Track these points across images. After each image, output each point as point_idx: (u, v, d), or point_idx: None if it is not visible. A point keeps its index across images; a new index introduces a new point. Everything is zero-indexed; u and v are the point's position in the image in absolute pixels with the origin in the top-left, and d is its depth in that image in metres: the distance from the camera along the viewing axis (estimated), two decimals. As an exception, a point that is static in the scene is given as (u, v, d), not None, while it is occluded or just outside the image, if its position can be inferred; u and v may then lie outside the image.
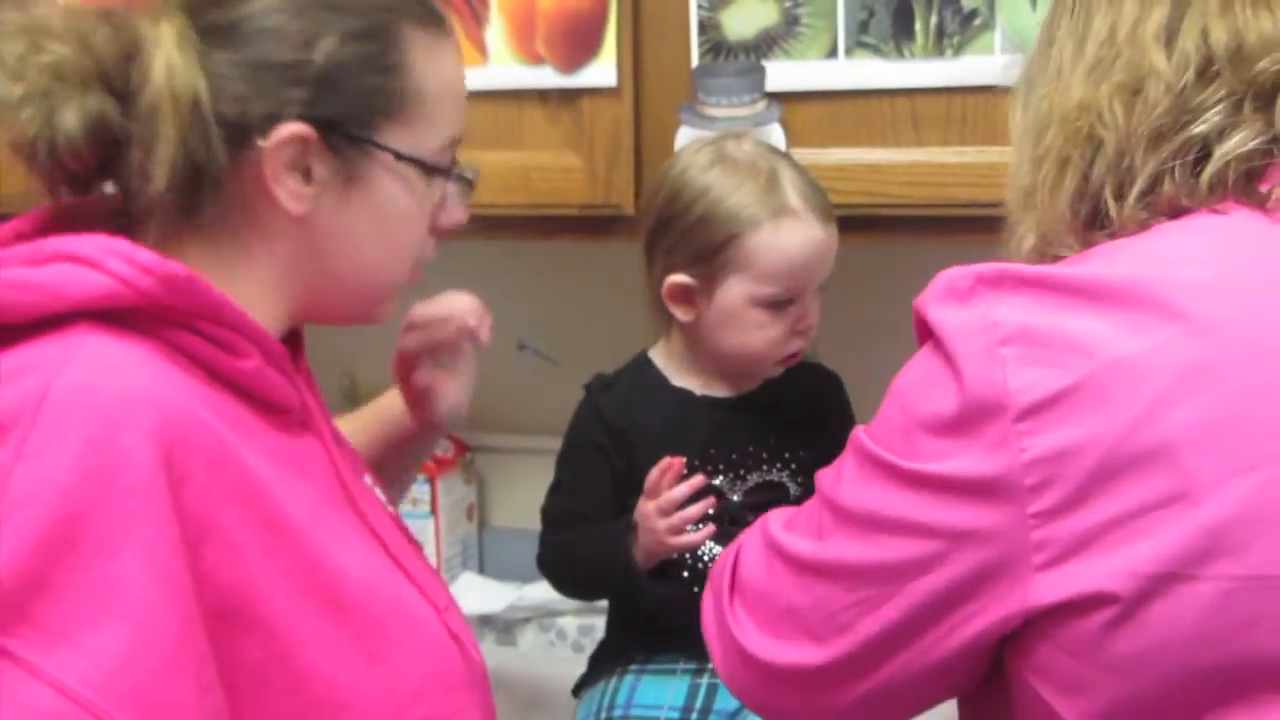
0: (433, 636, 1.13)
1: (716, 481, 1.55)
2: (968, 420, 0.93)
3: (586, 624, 2.00)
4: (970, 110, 1.56)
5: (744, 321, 1.51)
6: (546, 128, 1.70)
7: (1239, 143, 0.95)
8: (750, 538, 1.14)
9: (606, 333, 1.78)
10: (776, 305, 1.50)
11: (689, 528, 1.47)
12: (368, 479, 1.24)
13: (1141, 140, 0.98)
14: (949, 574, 0.95)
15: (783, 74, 1.60)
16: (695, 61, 1.63)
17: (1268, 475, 0.85)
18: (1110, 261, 0.96)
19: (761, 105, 1.61)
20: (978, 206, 1.51)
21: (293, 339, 1.19)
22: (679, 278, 1.51)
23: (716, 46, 1.62)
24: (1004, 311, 0.93)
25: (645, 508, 1.47)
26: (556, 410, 1.65)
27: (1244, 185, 0.96)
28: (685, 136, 1.63)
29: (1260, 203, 0.95)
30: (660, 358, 1.61)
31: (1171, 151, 0.97)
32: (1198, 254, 0.94)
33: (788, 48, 1.60)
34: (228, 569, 0.98)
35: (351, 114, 1.08)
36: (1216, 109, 0.96)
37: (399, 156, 1.10)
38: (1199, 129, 0.96)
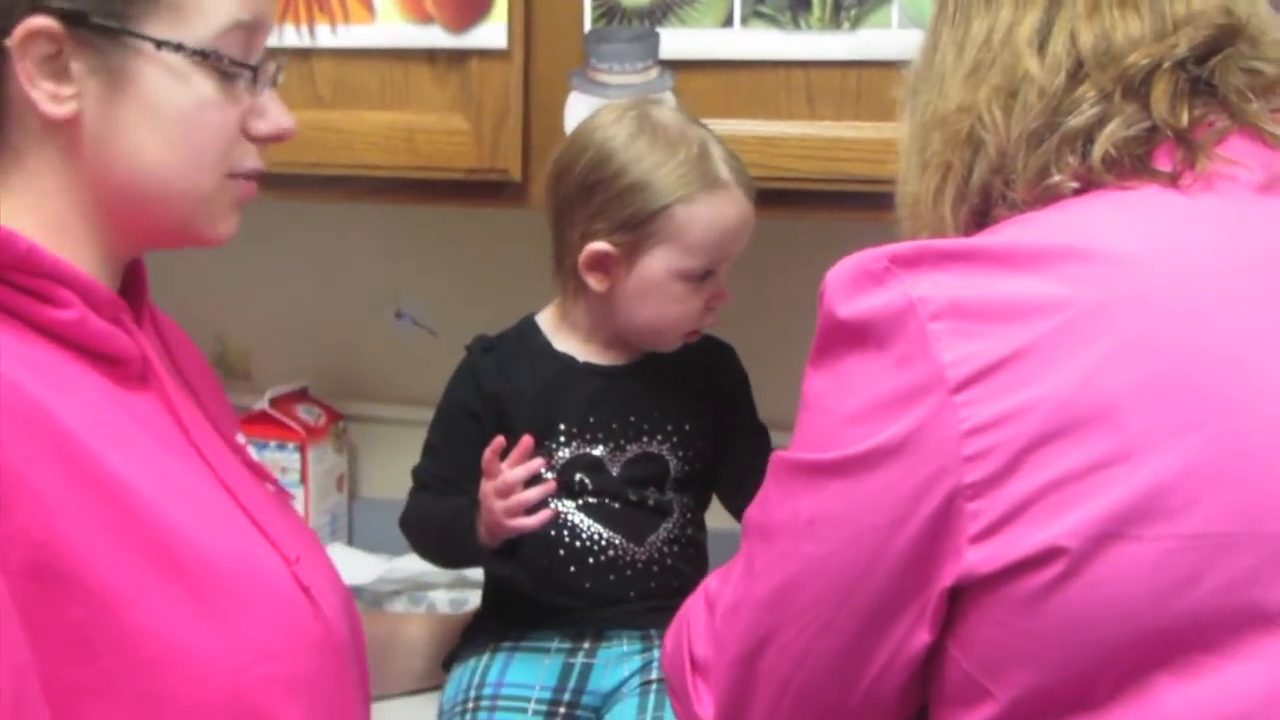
0: (280, 593, 1.09)
1: (596, 451, 1.52)
2: (900, 400, 0.91)
3: (459, 597, 1.96)
4: (866, 84, 1.54)
5: (664, 293, 1.48)
6: (433, 89, 1.65)
7: (1118, 127, 0.96)
8: (695, 604, 1.11)
9: (487, 301, 1.76)
10: (696, 278, 1.48)
11: (554, 503, 1.45)
12: (241, 437, 1.19)
13: (1022, 141, 0.98)
14: (888, 564, 0.92)
15: (676, 41, 1.57)
16: (588, 26, 1.59)
17: (1207, 435, 0.85)
18: (1027, 229, 0.95)
19: (654, 73, 1.58)
20: (872, 182, 1.50)
21: (136, 288, 1.14)
22: (600, 245, 1.47)
23: (610, 11, 1.58)
24: (926, 288, 0.91)
25: (485, 488, 1.44)
26: (432, 380, 1.62)
27: (1141, 166, 0.96)
28: (576, 102, 1.60)
29: (1170, 181, 0.95)
30: (547, 322, 1.58)
31: (1054, 146, 0.97)
32: (1119, 223, 0.94)
33: (683, 15, 1.57)
34: (39, 526, 0.94)
35: (100, 3, 1.01)
36: (1089, 102, 0.97)
37: (159, 45, 1.02)
38: (1075, 122, 0.97)
